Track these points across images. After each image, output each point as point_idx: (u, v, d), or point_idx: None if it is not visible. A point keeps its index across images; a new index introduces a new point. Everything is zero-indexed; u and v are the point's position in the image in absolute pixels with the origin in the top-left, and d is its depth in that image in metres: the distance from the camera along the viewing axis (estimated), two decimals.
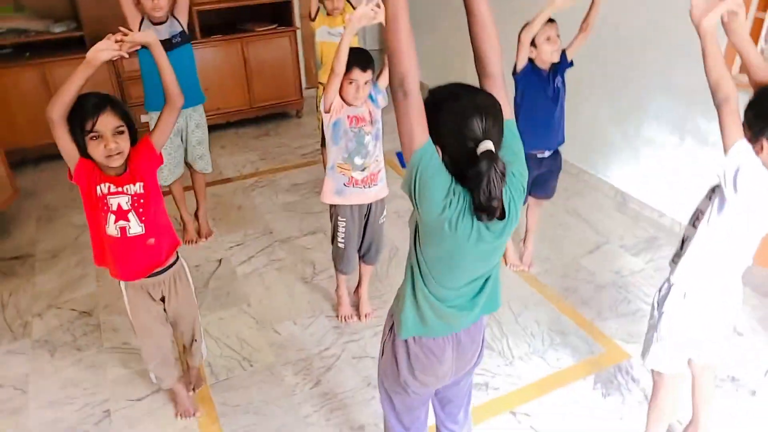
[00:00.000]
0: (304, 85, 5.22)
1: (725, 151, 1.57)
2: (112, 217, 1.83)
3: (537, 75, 2.63)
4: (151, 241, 1.92)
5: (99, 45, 1.75)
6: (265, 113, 5.03)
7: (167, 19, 2.92)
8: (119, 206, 1.83)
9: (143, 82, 3.05)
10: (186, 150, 3.23)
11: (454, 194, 1.29)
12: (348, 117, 2.29)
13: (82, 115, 1.69)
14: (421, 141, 1.29)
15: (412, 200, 1.33)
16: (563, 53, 2.62)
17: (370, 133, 2.34)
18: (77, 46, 4.27)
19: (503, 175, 1.22)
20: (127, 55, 1.83)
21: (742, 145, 1.54)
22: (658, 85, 3.28)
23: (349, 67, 2.17)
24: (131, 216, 1.85)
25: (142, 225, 1.87)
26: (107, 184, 1.80)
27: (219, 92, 4.62)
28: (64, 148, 1.74)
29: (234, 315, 2.83)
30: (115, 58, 1.79)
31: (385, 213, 2.59)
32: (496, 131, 1.28)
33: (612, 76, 3.56)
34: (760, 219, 1.65)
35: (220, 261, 3.24)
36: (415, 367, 1.58)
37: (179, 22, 2.97)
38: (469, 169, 1.24)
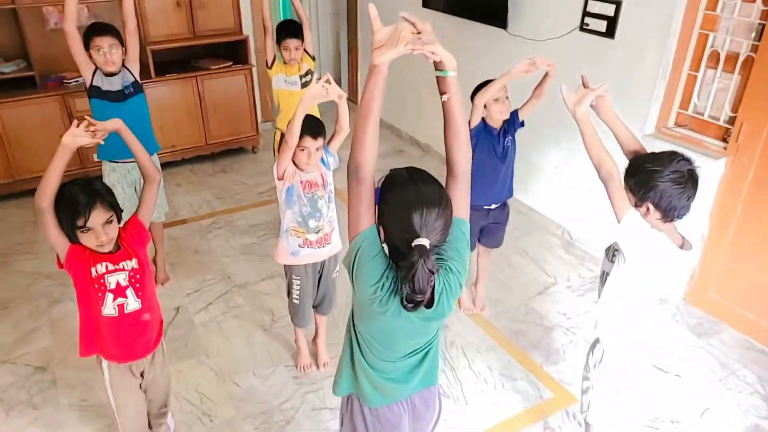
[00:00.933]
0: (260, 119, 5.25)
1: (618, 220, 1.79)
2: (110, 296, 1.86)
3: (488, 133, 2.75)
4: (147, 316, 1.96)
5: (74, 131, 1.79)
6: (221, 149, 5.04)
7: (119, 70, 2.93)
8: (117, 283, 1.87)
9: None
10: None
11: (387, 278, 1.38)
12: (301, 182, 2.36)
13: (73, 211, 1.73)
14: (366, 226, 1.39)
15: (350, 276, 1.43)
16: (515, 113, 2.75)
17: (323, 197, 2.41)
18: (29, 85, 4.20)
19: (431, 272, 1.29)
20: (102, 141, 1.90)
21: (631, 213, 1.76)
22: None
23: (300, 135, 2.24)
24: (129, 292, 1.89)
25: (139, 300, 1.92)
26: (104, 263, 1.84)
27: (174, 130, 4.62)
28: (53, 236, 1.77)
29: (193, 367, 2.84)
30: (90, 145, 1.85)
31: (338, 268, 2.68)
32: (439, 226, 1.35)
33: (558, 127, 3.75)
34: (660, 274, 1.86)
35: (177, 309, 3.24)
36: None
37: (131, 72, 2.98)
38: (401, 260, 1.33)
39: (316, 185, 2.39)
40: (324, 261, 2.58)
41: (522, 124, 2.81)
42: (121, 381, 2.02)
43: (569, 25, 3.54)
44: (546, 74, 2.68)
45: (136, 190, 3.17)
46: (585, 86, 1.92)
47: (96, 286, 1.85)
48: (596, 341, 2.04)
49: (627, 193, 1.80)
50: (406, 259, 1.30)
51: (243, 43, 4.80)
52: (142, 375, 2.07)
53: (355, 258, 1.38)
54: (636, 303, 1.91)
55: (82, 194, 1.74)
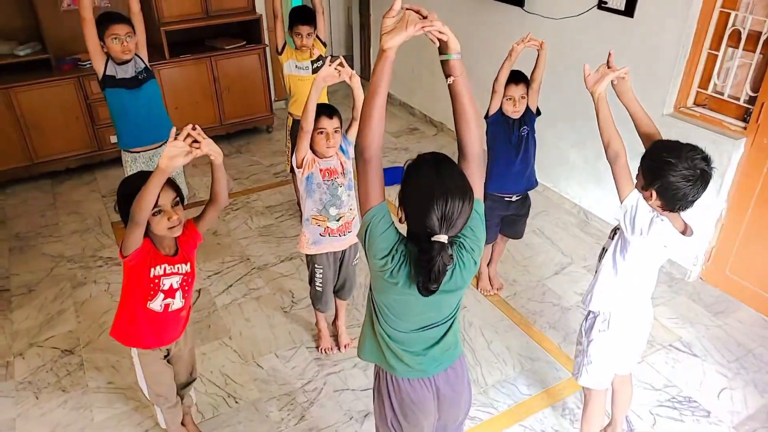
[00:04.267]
0: (273, 98, 5.24)
1: (620, 200, 1.84)
2: (161, 296, 1.92)
3: (504, 122, 2.79)
4: (184, 314, 2.04)
5: (170, 151, 1.62)
6: (236, 130, 5.05)
7: (131, 57, 2.93)
8: (171, 286, 1.92)
9: (114, 122, 3.04)
10: None
11: (396, 251, 1.44)
12: (320, 170, 2.36)
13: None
14: (375, 202, 1.45)
15: (363, 249, 1.49)
16: (528, 106, 2.79)
17: (343, 185, 2.42)
18: (44, 68, 4.21)
19: (445, 267, 1.35)
20: (200, 154, 1.68)
21: (633, 196, 1.82)
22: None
23: (316, 118, 2.26)
24: (178, 294, 1.95)
25: (183, 300, 1.98)
26: (163, 266, 1.88)
27: (189, 110, 4.62)
28: (137, 238, 1.76)
29: (216, 349, 2.91)
30: (186, 163, 1.69)
31: (358, 256, 2.70)
32: (460, 223, 1.39)
33: (574, 106, 3.72)
34: (659, 255, 1.91)
35: (199, 292, 3.29)
36: (398, 414, 1.70)
37: (141, 59, 2.98)
38: (419, 248, 1.38)
39: (336, 172, 2.39)
40: (345, 249, 2.60)
41: (539, 113, 2.84)
42: (149, 359, 2.09)
43: (587, 2, 3.48)
44: (538, 58, 2.72)
45: None
46: (609, 63, 1.95)
47: (151, 285, 1.89)
48: (590, 312, 2.12)
49: (639, 174, 1.83)
50: (425, 251, 1.36)
51: (256, 23, 4.76)
52: (168, 351, 2.14)
53: (366, 232, 1.45)
54: (631, 279, 1.97)
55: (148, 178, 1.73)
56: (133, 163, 3.06)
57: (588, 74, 1.93)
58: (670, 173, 1.71)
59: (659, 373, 2.73)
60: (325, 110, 2.31)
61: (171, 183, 1.80)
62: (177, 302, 1.97)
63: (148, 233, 1.81)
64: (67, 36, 4.32)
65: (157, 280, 1.89)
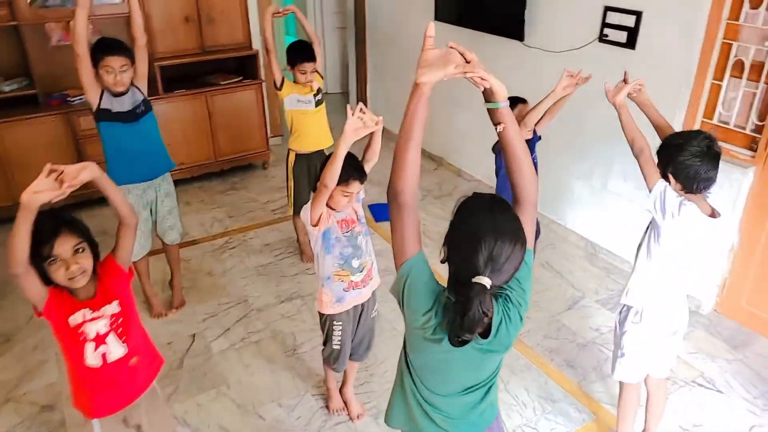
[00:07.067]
0: (269, 134, 5.15)
1: (649, 189, 2.01)
2: (91, 346, 1.70)
3: None
4: (134, 360, 1.80)
5: (35, 185, 1.47)
6: (231, 166, 4.93)
7: (128, 89, 2.79)
8: (97, 333, 1.71)
9: (106, 157, 2.86)
10: (155, 222, 3.09)
11: (439, 304, 1.31)
12: (338, 222, 2.17)
13: (37, 241, 1.55)
14: (412, 252, 1.33)
15: (400, 305, 1.37)
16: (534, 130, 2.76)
17: (361, 232, 2.22)
18: (30, 104, 4.08)
19: (485, 314, 1.21)
20: (66, 194, 1.52)
21: (660, 183, 1.99)
22: (624, 150, 3.40)
23: (346, 179, 2.05)
24: (111, 338, 1.73)
25: (124, 345, 1.76)
26: (82, 312, 1.68)
27: (182, 147, 4.49)
28: (32, 291, 1.60)
29: (213, 399, 2.70)
30: (56, 200, 1.50)
31: (376, 307, 2.47)
32: (508, 269, 1.26)
33: (577, 137, 3.67)
34: (691, 240, 2.02)
35: (193, 336, 3.10)
36: None
37: (140, 90, 2.85)
38: (458, 290, 1.26)
39: (353, 221, 2.20)
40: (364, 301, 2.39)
41: (539, 137, 2.84)
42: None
43: (588, 36, 3.47)
44: (562, 98, 2.73)
45: (151, 211, 3.04)
46: (625, 79, 2.21)
47: (74, 336, 1.69)
48: (624, 306, 2.18)
49: (659, 168, 2.01)
50: (462, 293, 1.23)
51: (253, 58, 4.70)
52: (138, 428, 1.91)
53: (404, 286, 1.32)
54: (664, 268, 2.06)
55: (47, 222, 1.57)
56: (126, 195, 2.88)
57: (608, 90, 2.18)
58: (679, 154, 1.91)
59: (686, 412, 2.59)
60: (358, 172, 2.10)
61: (71, 225, 1.63)
62: (115, 349, 1.74)
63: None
64: (56, 71, 4.21)
65: (80, 329, 1.67)
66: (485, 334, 1.30)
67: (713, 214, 1.97)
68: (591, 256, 3.79)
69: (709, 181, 1.91)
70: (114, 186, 1.71)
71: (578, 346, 3.01)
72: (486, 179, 4.70)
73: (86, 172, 1.55)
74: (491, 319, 1.28)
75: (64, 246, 1.60)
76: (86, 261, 1.65)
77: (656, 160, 2.02)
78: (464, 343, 1.26)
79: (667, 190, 1.97)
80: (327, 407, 2.64)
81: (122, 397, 1.83)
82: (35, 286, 1.59)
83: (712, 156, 1.89)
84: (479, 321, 1.21)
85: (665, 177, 1.98)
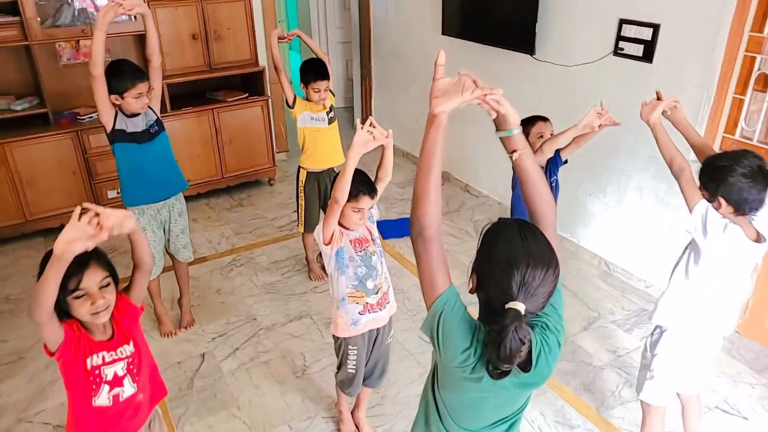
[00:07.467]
0: (275, 150, 5.12)
1: (690, 210, 1.93)
2: (106, 388, 1.64)
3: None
4: (141, 396, 1.75)
5: (68, 233, 1.31)
6: (237, 183, 4.90)
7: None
8: (115, 374, 1.64)
9: (120, 177, 2.85)
10: (168, 240, 3.07)
11: (478, 341, 1.25)
12: (350, 242, 2.14)
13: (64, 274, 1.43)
14: (443, 287, 1.27)
15: (434, 344, 1.30)
16: (557, 152, 2.66)
17: (375, 252, 2.18)
18: (41, 123, 4.07)
19: (522, 341, 1.16)
20: (105, 236, 1.36)
21: (702, 203, 1.91)
22: (640, 166, 3.35)
23: (356, 195, 2.03)
24: (126, 380, 1.67)
25: (135, 384, 1.71)
26: (101, 354, 1.61)
27: (189, 164, 4.46)
28: (52, 335, 1.53)
29: (224, 421, 2.65)
30: (91, 248, 1.36)
31: (392, 332, 2.42)
32: (542, 293, 1.21)
33: (591, 153, 3.61)
34: (732, 264, 1.96)
35: (203, 356, 3.05)
36: None
37: (152, 110, 2.83)
38: (492, 319, 1.20)
39: (366, 240, 2.16)
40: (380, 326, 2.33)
41: (565, 161, 2.75)
42: None
43: (603, 50, 3.43)
44: (591, 132, 2.58)
45: (165, 231, 3.02)
46: (659, 96, 2.15)
47: (91, 378, 1.61)
48: (656, 327, 2.13)
49: (702, 190, 1.93)
50: (496, 321, 1.17)
51: (259, 74, 4.69)
52: None
53: (438, 324, 1.26)
54: (702, 288, 2.00)
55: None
56: (140, 216, 2.85)
57: (643, 106, 2.12)
58: (728, 176, 1.83)
59: None
60: (368, 187, 2.08)
61: (100, 259, 1.55)
62: (128, 389, 1.69)
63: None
64: (66, 90, 4.21)
65: (97, 371, 1.61)
66: (526, 367, 1.24)
67: (758, 238, 1.90)
68: (605, 274, 3.72)
69: (760, 202, 1.85)
70: (144, 236, 1.68)
71: (595, 369, 2.93)
72: (494, 194, 4.64)
73: (131, 221, 1.45)
74: (530, 349, 1.22)
75: (92, 279, 1.53)
76: (112, 296, 1.59)
77: (698, 182, 1.96)
78: (504, 374, 1.21)
79: (709, 211, 1.90)
80: (338, 430, 2.57)
81: (123, 430, 1.77)
82: (55, 329, 1.52)
83: (764, 175, 1.83)
84: (516, 350, 1.15)
85: (714, 199, 1.90)
